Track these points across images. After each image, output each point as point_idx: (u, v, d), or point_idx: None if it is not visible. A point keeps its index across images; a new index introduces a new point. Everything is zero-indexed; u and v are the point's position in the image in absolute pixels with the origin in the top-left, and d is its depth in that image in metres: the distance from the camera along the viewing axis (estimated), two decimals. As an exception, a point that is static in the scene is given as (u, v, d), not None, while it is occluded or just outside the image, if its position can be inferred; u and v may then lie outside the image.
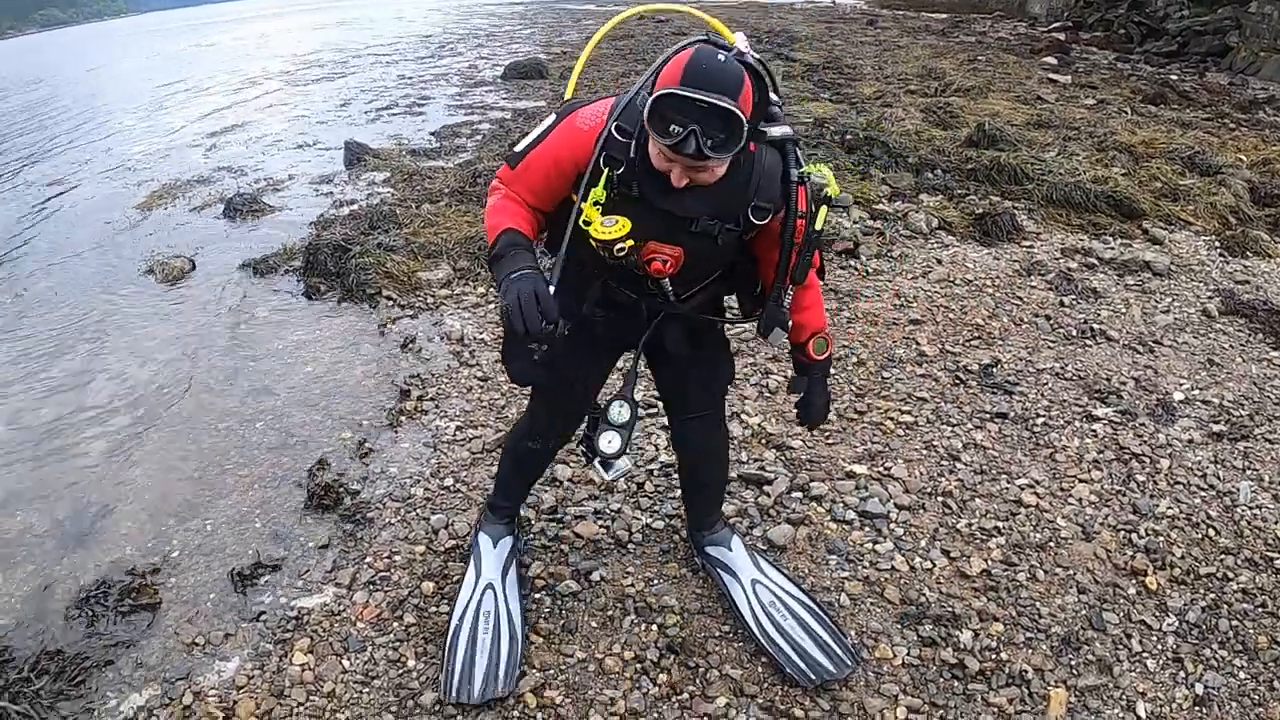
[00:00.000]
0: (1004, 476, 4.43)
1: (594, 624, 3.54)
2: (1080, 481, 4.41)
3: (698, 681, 3.30)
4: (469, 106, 14.90)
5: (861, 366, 5.38)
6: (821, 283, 3.03)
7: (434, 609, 3.65)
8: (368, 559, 3.99)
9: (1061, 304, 6.35)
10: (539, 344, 2.56)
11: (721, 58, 2.32)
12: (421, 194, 9.10)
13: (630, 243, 2.51)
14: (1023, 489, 4.33)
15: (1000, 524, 4.08)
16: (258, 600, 3.84)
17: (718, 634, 3.47)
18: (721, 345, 3.32)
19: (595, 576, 3.75)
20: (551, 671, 3.33)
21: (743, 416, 4.83)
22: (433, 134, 12.70)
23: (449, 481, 4.47)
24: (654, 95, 2.30)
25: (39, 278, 8.31)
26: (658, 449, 4.55)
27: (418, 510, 4.29)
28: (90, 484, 4.86)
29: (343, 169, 11.12)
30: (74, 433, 5.39)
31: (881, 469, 4.43)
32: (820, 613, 3.47)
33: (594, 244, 2.52)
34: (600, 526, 4.04)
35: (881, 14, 30.65)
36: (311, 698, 3.30)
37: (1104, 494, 4.33)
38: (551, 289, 2.54)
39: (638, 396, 3.79)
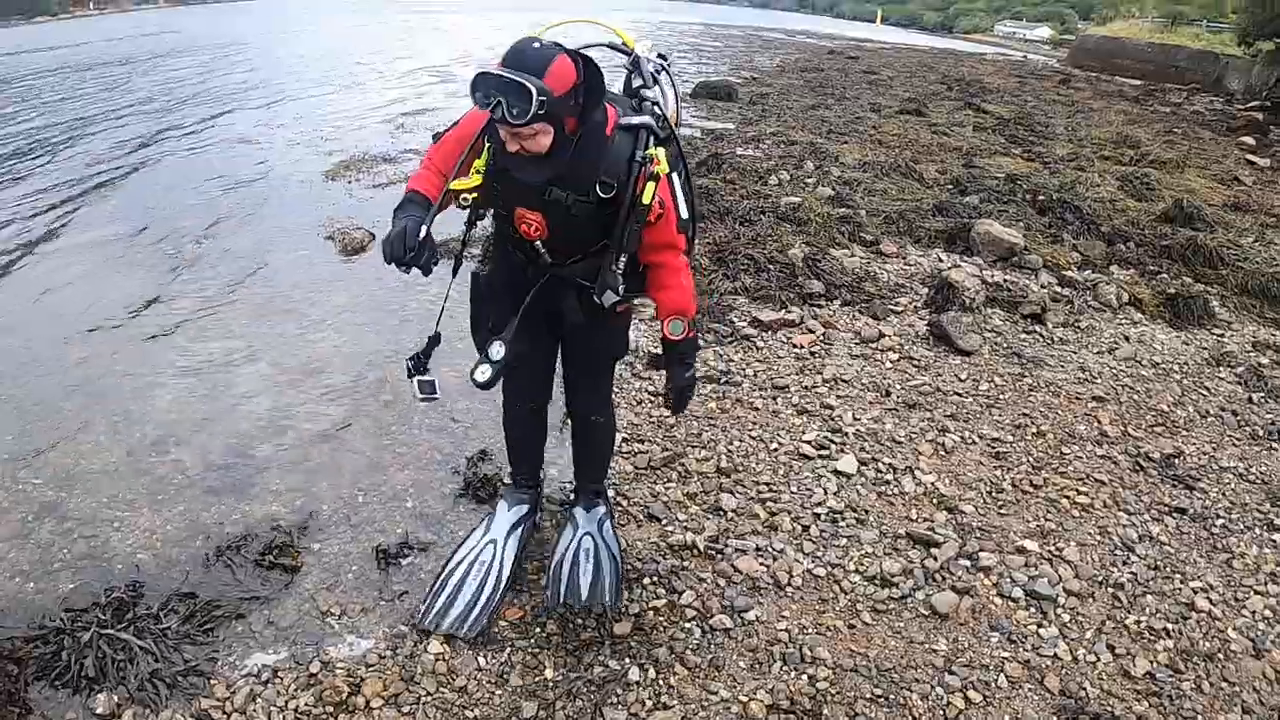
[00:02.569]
0: (1178, 576, 4.12)
1: (742, 664, 3.41)
2: (1256, 593, 4.06)
3: (842, 743, 3.15)
4: (656, 121, 14.91)
5: (1041, 438, 5.11)
6: (685, 268, 3.22)
7: (579, 621, 3.56)
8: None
9: (1250, 400, 5.95)
10: (406, 268, 2.99)
11: (536, 45, 2.79)
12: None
13: (475, 195, 3.03)
14: (1196, 592, 4.02)
15: (1170, 625, 3.78)
16: (401, 580, 3.82)
17: (869, 695, 3.29)
18: (615, 321, 3.50)
19: (750, 615, 3.61)
20: (693, 706, 3.21)
21: (915, 473, 4.63)
22: (620, 145, 12.72)
23: (610, 493, 4.36)
24: (476, 75, 2.75)
25: (228, 231, 8.64)
26: (825, 493, 4.40)
27: (575, 519, 4.22)
28: (249, 437, 4.97)
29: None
30: (240, 385, 5.54)
31: (1053, 549, 4.17)
32: (617, 568, 3.72)
33: (451, 196, 3.06)
34: (761, 564, 3.90)
35: (1075, 73, 29.85)
36: (442, 689, 3.25)
37: (1279, 610, 4.01)
38: (424, 230, 2.98)
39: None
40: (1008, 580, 3.91)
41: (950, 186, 10.62)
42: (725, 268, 7.09)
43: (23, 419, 5.26)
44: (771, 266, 7.05)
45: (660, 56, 3.48)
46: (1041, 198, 9.67)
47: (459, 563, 3.76)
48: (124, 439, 4.99)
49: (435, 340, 3.38)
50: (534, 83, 2.66)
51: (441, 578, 3.70)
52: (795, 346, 5.93)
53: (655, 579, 3.79)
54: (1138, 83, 29.32)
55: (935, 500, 4.44)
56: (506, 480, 4.30)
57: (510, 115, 2.70)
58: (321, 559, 3.96)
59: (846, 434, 4.92)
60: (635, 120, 3.02)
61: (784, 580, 3.82)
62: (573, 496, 4.13)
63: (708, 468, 4.60)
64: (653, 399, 5.25)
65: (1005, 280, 7.28)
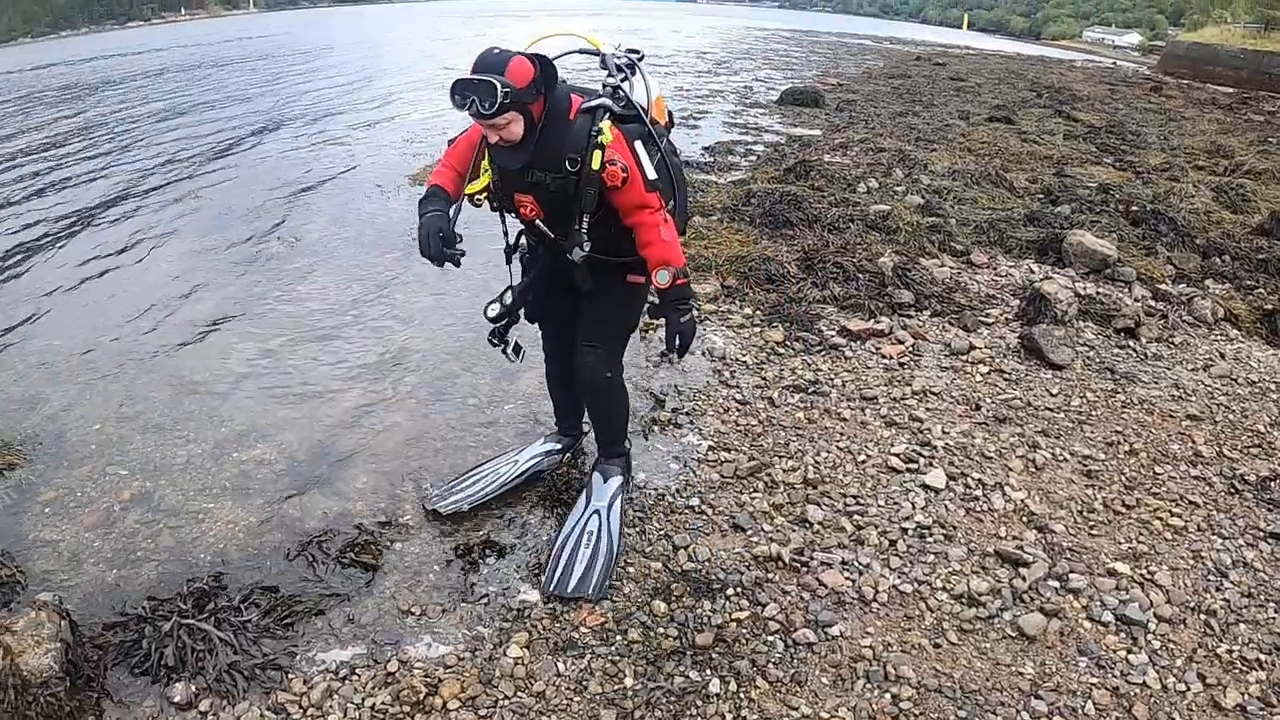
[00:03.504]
0: (1272, 604, 3.96)
1: (825, 680, 3.36)
2: (1356, 626, 3.92)
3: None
4: (744, 126, 14.89)
5: (1134, 457, 4.97)
6: (663, 223, 3.60)
7: (661, 630, 3.55)
8: (600, 564, 3.94)
9: (1353, 423, 5.73)
10: (440, 263, 3.62)
11: (496, 51, 3.37)
12: (693, 206, 9.07)
13: (485, 195, 3.69)
14: (1291, 622, 3.88)
15: (1263, 656, 3.63)
16: (481, 583, 3.85)
17: (952, 717, 3.22)
18: (623, 289, 3.92)
19: (834, 631, 3.57)
20: (773, 720, 3.18)
21: (1005, 489, 4.53)
22: (706, 149, 12.73)
23: (694, 501, 4.37)
24: (453, 83, 3.30)
25: (315, 231, 8.86)
26: (913, 508, 4.33)
27: (657, 525, 4.21)
28: (335, 432, 5.06)
29: (615, 171, 11.23)
30: (325, 381, 5.64)
31: (1145, 572, 4.05)
32: (612, 559, 3.88)
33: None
34: (846, 578, 3.84)
35: (1166, 80, 29.09)
36: (519, 694, 3.26)
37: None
38: (453, 226, 3.66)
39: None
40: (1097, 603, 3.80)
41: (1041, 196, 10.42)
42: (814, 275, 7.03)
43: (112, 410, 5.41)
44: (861, 275, 6.97)
45: (632, 51, 3.91)
46: (1135, 208, 9.43)
47: (570, 533, 4.01)
48: (210, 433, 5.10)
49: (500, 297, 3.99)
50: (496, 79, 3.23)
51: (558, 548, 3.95)
52: (884, 357, 5.86)
53: (739, 590, 3.76)
54: (1230, 90, 28.44)
55: (1025, 518, 4.34)
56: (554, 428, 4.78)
57: (482, 109, 3.25)
58: (403, 558, 4.01)
59: (935, 447, 4.84)
60: (593, 102, 3.55)
61: (869, 595, 3.76)
62: (598, 461, 4.35)
63: (794, 478, 4.56)
64: (739, 407, 5.23)
65: (1098, 293, 7.10)
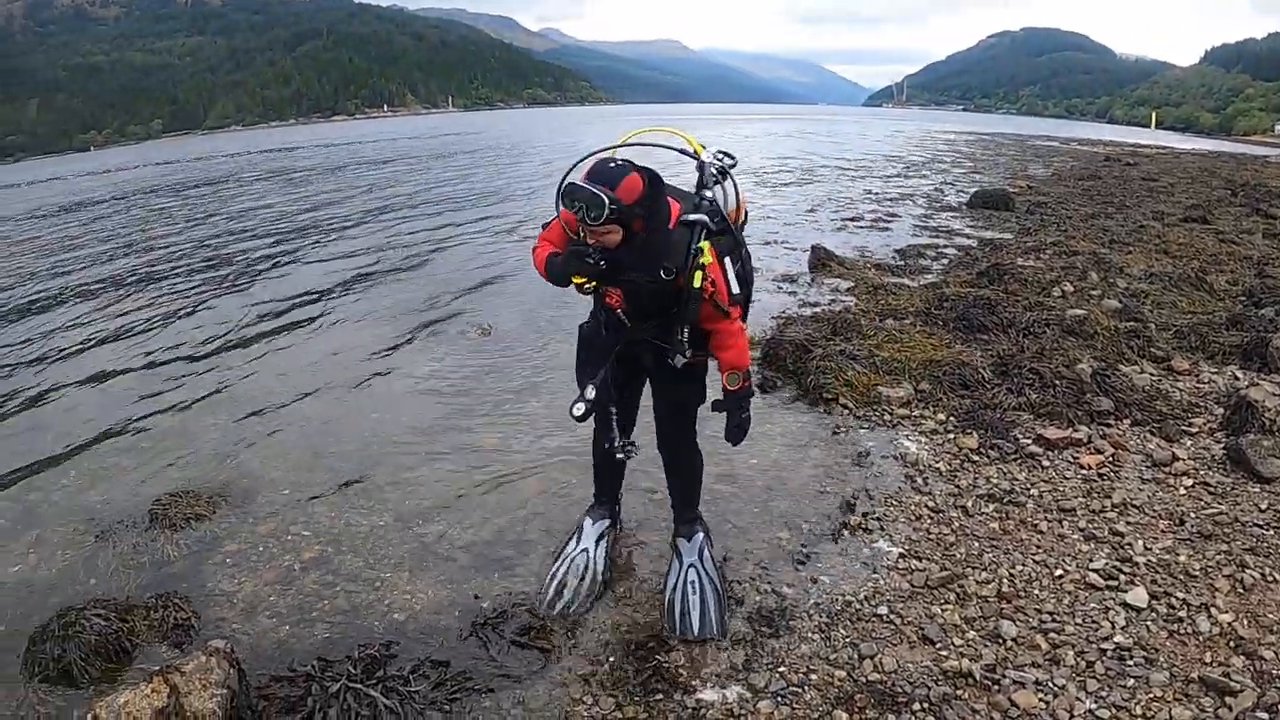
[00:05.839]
0: None
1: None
2: None
3: None
4: (934, 229, 14.75)
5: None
6: (739, 332, 4.00)
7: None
8: (781, 668, 3.87)
9: None
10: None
11: (613, 165, 3.64)
12: (885, 308, 9.03)
13: (591, 285, 3.89)
14: None
15: None
16: (656, 676, 3.82)
17: None
18: (688, 371, 4.13)
19: (1026, 754, 3.39)
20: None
21: (1211, 611, 4.22)
22: (897, 251, 12.66)
23: (882, 610, 4.25)
24: (565, 184, 3.60)
25: (510, 320, 9.30)
26: (1113, 627, 4.05)
27: (844, 632, 4.11)
28: (518, 516, 5.20)
29: (806, 271, 11.34)
30: (517, 465, 5.81)
31: (1368, 705, 3.73)
32: (721, 599, 4.24)
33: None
34: (1040, 700, 3.62)
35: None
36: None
37: None
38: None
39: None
40: (1312, 737, 3.51)
41: (1243, 298, 9.85)
42: (1009, 381, 6.83)
43: (301, 473, 5.70)
44: (1058, 381, 6.72)
45: (726, 155, 4.16)
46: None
47: (559, 564, 4.57)
48: (395, 504, 5.35)
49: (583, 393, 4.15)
50: (608, 194, 3.50)
51: (550, 575, 4.51)
52: (1082, 467, 5.58)
53: (925, 705, 3.61)
54: None
55: (1232, 643, 4.00)
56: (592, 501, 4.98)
57: (589, 218, 3.53)
58: (578, 646, 4.05)
59: (1137, 564, 4.53)
60: (693, 217, 3.77)
61: (1064, 719, 3.55)
62: (674, 528, 4.70)
63: (988, 591, 4.36)
64: (932, 514, 5.10)
65: (1310, 402, 6.66)
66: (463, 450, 6.09)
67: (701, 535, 4.57)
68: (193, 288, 12.61)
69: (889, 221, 15.62)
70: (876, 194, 19.80)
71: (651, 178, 3.71)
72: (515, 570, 4.66)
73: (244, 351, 9.06)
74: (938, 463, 5.71)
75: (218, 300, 11.72)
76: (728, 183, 4.07)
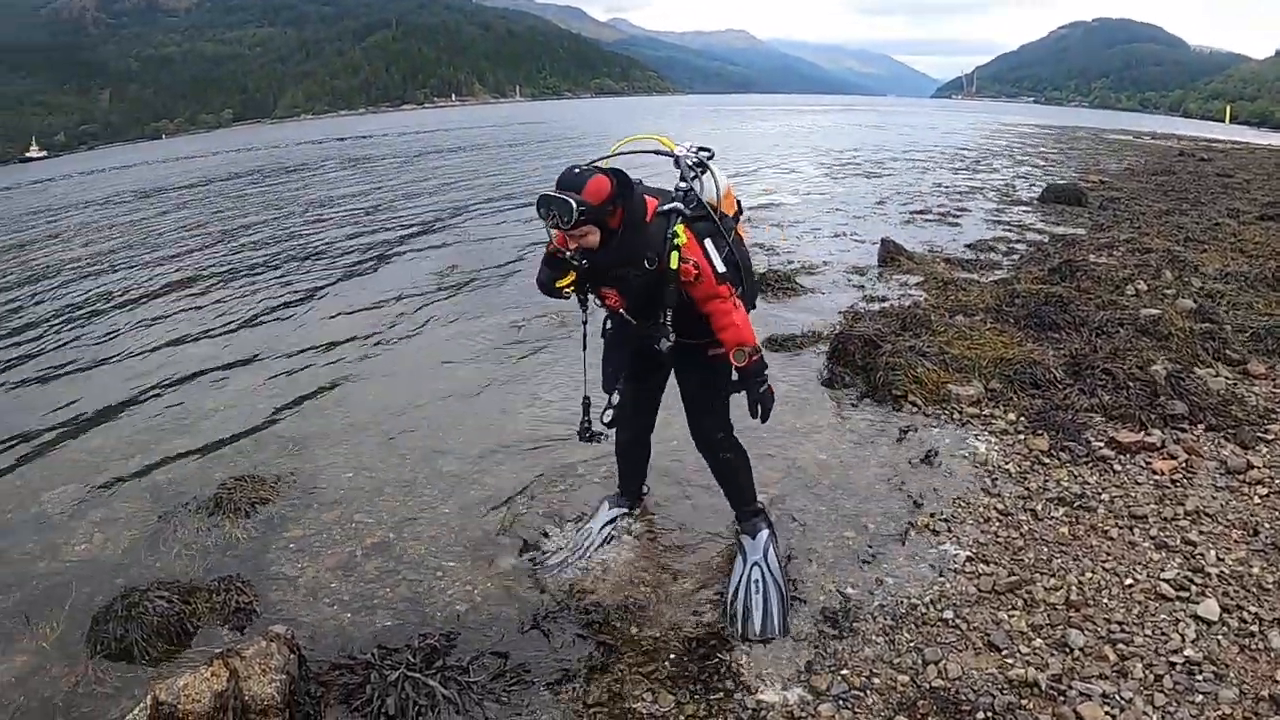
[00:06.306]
0: None
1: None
2: None
3: None
4: (1005, 224, 14.52)
5: None
6: (734, 309, 4.04)
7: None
8: (844, 670, 3.85)
9: None
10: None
11: (577, 170, 3.81)
12: (955, 304, 8.91)
13: (572, 288, 4.03)
14: None
15: None
16: (718, 675, 3.82)
17: None
18: (707, 367, 4.32)
19: (1098, 768, 3.33)
20: None
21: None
22: (968, 246, 12.50)
23: (948, 614, 4.20)
24: (538, 197, 3.74)
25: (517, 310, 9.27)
26: (1183, 640, 3.94)
27: (908, 635, 4.07)
28: (583, 514, 5.17)
29: (875, 265, 11.26)
30: (586, 463, 5.77)
31: None
32: (784, 598, 4.27)
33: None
34: (1107, 712, 3.54)
35: None
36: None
37: None
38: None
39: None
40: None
41: (1324, 301, 9.60)
42: (1081, 381, 6.71)
43: (367, 461, 5.76)
44: (1131, 383, 6.57)
45: (703, 150, 4.29)
46: None
47: (565, 543, 4.83)
48: (460, 494, 5.40)
49: (586, 402, 4.49)
50: (574, 198, 3.68)
51: (553, 553, 4.77)
52: (1155, 473, 5.46)
53: (989, 714, 3.56)
54: None
55: None
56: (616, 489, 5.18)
57: (561, 223, 3.72)
58: (639, 639, 4.07)
59: (1209, 575, 4.41)
60: (667, 207, 3.95)
61: (1132, 734, 3.47)
62: (737, 525, 4.78)
63: (1056, 598, 4.28)
64: (1001, 517, 5.04)
65: (1392, 410, 6.46)
66: (530, 446, 6.13)
67: (766, 532, 4.60)
68: (276, 278, 12.91)
69: (958, 215, 15.43)
70: (946, 187, 19.53)
71: (619, 177, 3.87)
72: (577, 563, 4.69)
73: (318, 341, 9.22)
74: (1008, 464, 5.64)
75: (300, 289, 11.98)
76: (706, 175, 4.23)
